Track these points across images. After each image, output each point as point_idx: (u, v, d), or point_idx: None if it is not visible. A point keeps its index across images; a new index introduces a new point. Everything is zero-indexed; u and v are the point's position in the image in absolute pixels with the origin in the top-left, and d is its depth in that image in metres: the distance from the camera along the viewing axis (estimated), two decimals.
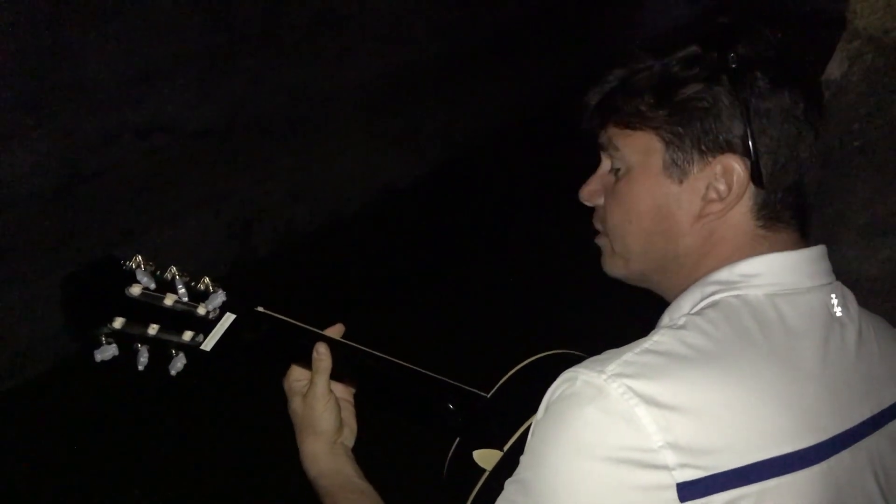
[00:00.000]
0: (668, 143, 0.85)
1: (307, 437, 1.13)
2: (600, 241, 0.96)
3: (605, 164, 0.94)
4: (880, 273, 1.41)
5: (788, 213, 0.86)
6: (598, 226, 0.96)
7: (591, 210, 0.98)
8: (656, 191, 0.87)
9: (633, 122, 0.87)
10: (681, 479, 0.69)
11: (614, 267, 0.95)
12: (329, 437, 1.13)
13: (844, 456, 0.79)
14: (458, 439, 1.20)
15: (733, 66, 0.81)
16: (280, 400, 1.18)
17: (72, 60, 2.82)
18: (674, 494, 0.69)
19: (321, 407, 1.11)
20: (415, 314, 3.28)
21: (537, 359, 1.21)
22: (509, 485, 0.78)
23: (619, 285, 0.98)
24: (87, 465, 2.64)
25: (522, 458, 0.78)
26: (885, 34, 1.28)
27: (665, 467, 0.69)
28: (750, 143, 0.82)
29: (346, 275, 3.59)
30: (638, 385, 0.71)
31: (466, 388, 1.22)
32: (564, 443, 0.73)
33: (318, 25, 3.80)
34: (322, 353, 1.10)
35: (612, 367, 0.73)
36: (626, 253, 0.92)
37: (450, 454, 1.20)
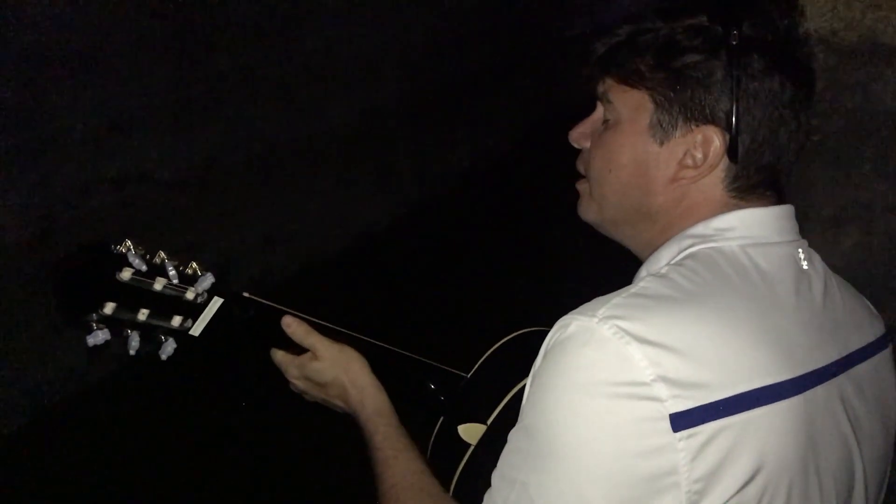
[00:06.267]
0: (657, 105, 0.89)
1: (344, 377, 1.13)
2: (581, 185, 1.01)
3: (599, 111, 0.98)
4: (843, 264, 1.46)
5: (761, 189, 0.91)
6: (580, 168, 1.01)
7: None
8: (638, 147, 0.91)
9: (630, 79, 0.91)
10: (673, 410, 0.73)
11: (589, 210, 1.00)
12: (361, 363, 1.14)
13: (819, 391, 0.84)
14: (441, 419, 1.22)
15: (734, 43, 0.85)
16: (269, 383, 1.19)
17: (47, 113, 2.85)
18: (667, 425, 0.73)
19: (333, 349, 1.14)
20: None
21: (512, 337, 1.24)
22: (513, 433, 0.81)
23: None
24: None
25: (524, 407, 0.81)
26: (833, 35, 1.35)
27: (658, 399, 0.73)
28: (733, 119, 0.85)
29: (325, 319, 3.58)
30: (628, 325, 0.75)
31: (447, 368, 1.25)
32: (563, 384, 0.77)
33: (289, 74, 3.87)
34: (288, 323, 1.14)
35: (603, 311, 0.77)
36: (601, 199, 0.97)
37: (434, 433, 1.21)
